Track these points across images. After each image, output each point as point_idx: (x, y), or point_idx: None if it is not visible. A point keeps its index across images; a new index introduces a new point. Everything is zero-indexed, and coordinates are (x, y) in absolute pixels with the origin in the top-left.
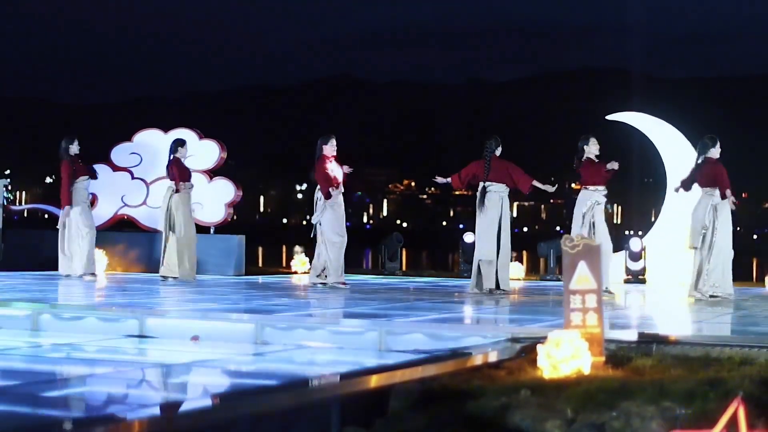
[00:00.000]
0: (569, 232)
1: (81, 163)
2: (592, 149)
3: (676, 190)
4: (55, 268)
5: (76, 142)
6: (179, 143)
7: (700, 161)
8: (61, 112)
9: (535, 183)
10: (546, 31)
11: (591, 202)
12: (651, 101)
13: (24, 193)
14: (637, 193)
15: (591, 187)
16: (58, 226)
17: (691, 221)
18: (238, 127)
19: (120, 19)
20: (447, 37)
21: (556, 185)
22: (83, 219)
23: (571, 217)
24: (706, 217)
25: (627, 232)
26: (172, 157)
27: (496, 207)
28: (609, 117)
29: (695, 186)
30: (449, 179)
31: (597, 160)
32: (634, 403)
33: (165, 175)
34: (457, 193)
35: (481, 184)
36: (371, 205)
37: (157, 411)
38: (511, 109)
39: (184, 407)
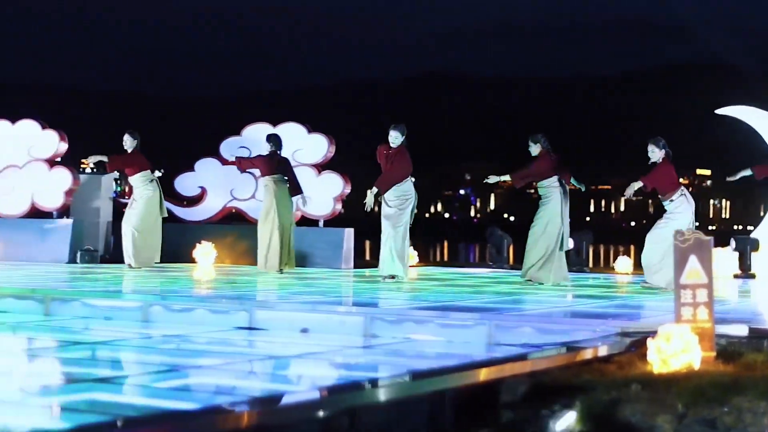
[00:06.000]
0: None
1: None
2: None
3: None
4: (164, 261)
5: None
6: (267, 138)
7: None
8: (170, 106)
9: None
10: (648, 25)
11: None
12: (758, 96)
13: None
14: (746, 188)
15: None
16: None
17: None
18: (348, 122)
19: (232, 14)
20: (551, 32)
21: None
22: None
23: None
24: None
25: (735, 227)
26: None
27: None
28: (718, 111)
29: None
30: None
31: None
32: (746, 398)
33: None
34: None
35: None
36: (478, 200)
37: (265, 403)
38: (615, 104)
39: (292, 399)
